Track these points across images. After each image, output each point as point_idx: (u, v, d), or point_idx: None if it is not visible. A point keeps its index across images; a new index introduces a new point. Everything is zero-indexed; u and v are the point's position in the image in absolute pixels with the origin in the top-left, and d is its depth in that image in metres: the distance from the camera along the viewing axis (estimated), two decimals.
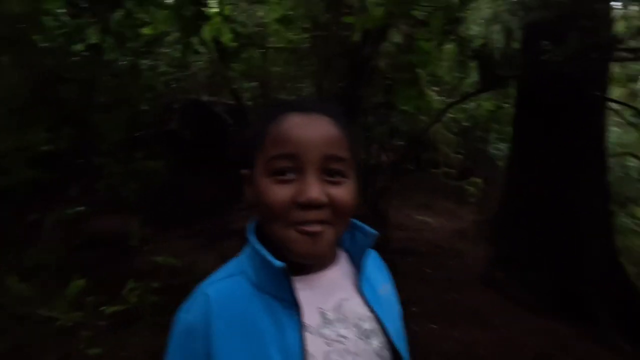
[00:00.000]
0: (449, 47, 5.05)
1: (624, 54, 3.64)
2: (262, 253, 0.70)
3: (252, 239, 0.74)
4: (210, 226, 2.91)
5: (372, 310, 0.77)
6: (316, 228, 0.70)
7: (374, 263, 0.88)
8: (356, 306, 0.76)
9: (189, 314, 0.71)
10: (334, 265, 0.79)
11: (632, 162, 6.89)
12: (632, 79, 9.02)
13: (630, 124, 5.34)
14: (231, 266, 0.76)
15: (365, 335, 0.74)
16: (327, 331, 0.71)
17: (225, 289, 0.72)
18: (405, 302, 3.70)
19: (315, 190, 0.69)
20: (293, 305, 0.69)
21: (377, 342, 0.75)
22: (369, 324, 0.76)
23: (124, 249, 2.64)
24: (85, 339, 2.08)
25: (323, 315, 0.72)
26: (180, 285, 0.75)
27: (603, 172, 4.47)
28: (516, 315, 3.90)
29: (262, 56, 3.52)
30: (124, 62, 2.82)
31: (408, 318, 3.04)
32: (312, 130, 0.71)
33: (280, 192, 0.70)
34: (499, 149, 6.74)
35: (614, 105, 5.22)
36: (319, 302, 0.73)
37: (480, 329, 3.69)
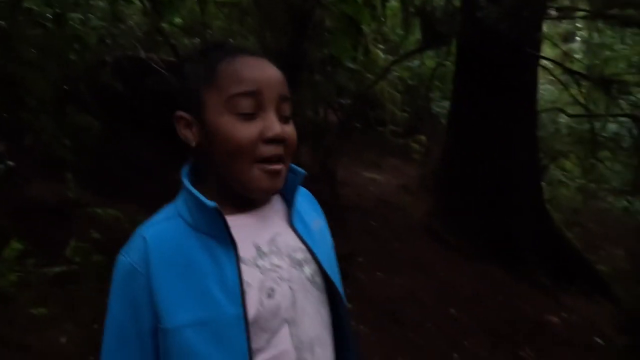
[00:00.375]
0: (394, 4, 5.07)
1: (555, 13, 3.81)
2: (196, 195, 0.73)
3: (186, 182, 0.76)
4: (152, 188, 2.86)
5: (304, 242, 0.82)
6: (278, 167, 0.74)
7: (306, 200, 0.92)
8: (289, 239, 0.81)
9: (128, 256, 0.73)
10: (268, 203, 0.83)
11: (563, 118, 7.33)
12: (566, 38, 9.45)
13: (561, 82, 5.66)
14: (167, 210, 0.79)
15: (297, 264, 0.80)
16: (262, 262, 0.75)
17: (162, 230, 0.74)
18: (353, 253, 3.85)
19: (278, 126, 0.73)
20: (228, 241, 0.72)
21: (309, 270, 0.81)
22: (301, 254, 0.81)
23: (62, 213, 2.56)
24: (29, 300, 2.04)
25: (258, 248, 0.76)
26: (124, 243, 0.76)
27: (534, 127, 4.77)
28: (454, 261, 4.19)
29: (202, 11, 3.38)
30: (49, 15, 2.62)
31: (356, 268, 3.18)
32: (267, 70, 0.75)
33: (247, 129, 0.71)
34: (442, 106, 6.95)
35: (547, 64, 5.50)
36: (254, 237, 0.77)
37: (422, 275, 3.95)
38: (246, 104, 0.72)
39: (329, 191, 4.73)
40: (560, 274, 4.36)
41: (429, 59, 6.61)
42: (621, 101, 4.71)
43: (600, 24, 5.38)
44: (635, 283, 3.48)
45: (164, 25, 3.43)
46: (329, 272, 0.85)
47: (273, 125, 0.72)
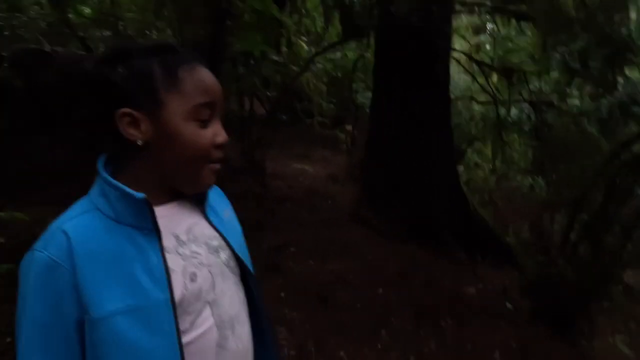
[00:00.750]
0: None
1: (462, 8, 4.09)
2: (121, 187, 0.76)
3: (106, 175, 0.78)
4: (65, 190, 2.70)
5: (217, 231, 0.90)
6: (219, 166, 0.85)
7: (214, 192, 0.98)
8: (204, 228, 0.88)
9: (46, 251, 0.72)
10: (183, 198, 0.87)
11: (477, 105, 7.89)
12: (478, 31, 10.13)
13: (470, 73, 6.10)
14: (81, 204, 0.79)
15: (214, 250, 0.87)
16: (182, 250, 0.81)
17: (82, 224, 0.75)
18: (284, 244, 3.90)
19: (225, 133, 0.83)
20: (153, 231, 0.77)
21: (224, 255, 0.89)
22: (217, 242, 0.88)
23: None
24: None
25: (177, 238, 0.82)
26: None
27: (448, 114, 5.12)
28: (381, 244, 4.41)
29: (113, 1, 3.21)
30: None
31: (287, 258, 3.24)
32: (217, 81, 0.84)
33: (205, 136, 0.79)
34: (367, 97, 7.21)
35: (459, 55, 5.91)
36: (172, 228, 0.82)
37: (350, 259, 4.11)
38: (206, 113, 0.80)
39: (259, 183, 4.76)
40: (475, 248, 4.74)
41: (351, 51, 6.81)
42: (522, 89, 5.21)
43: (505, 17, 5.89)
44: (536, 252, 3.89)
45: (71, 16, 3.22)
46: (241, 256, 0.92)
47: (222, 132, 0.83)
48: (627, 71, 3.19)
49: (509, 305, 3.87)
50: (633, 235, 3.64)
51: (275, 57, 4.83)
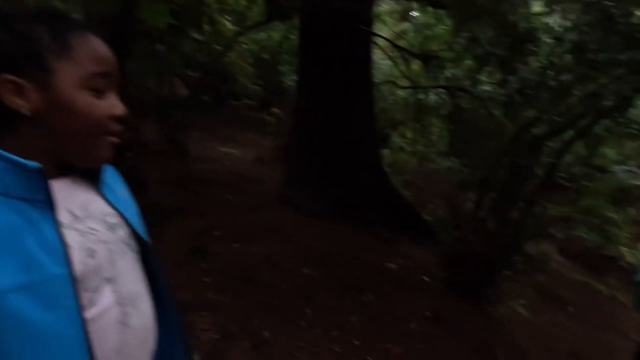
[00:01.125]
0: None
1: None
2: (11, 157, 0.69)
3: None
4: None
5: (114, 208, 0.86)
6: (116, 140, 0.80)
7: (110, 173, 0.94)
8: (100, 205, 0.84)
9: None
10: (75, 173, 0.83)
11: (401, 90, 8.18)
12: (403, 17, 10.44)
13: (391, 58, 6.30)
14: None
15: (111, 227, 0.83)
16: (79, 225, 0.77)
17: None
18: (210, 228, 3.81)
19: (122, 105, 0.79)
20: (47, 204, 0.71)
21: (122, 232, 0.86)
22: (114, 219, 0.85)
23: None
24: None
25: (72, 213, 0.77)
26: None
27: (371, 99, 5.26)
28: (306, 224, 4.48)
29: None
30: None
31: (213, 242, 3.17)
32: (110, 51, 0.79)
33: (100, 107, 0.76)
34: (294, 79, 7.19)
35: (382, 41, 6.07)
36: (66, 204, 0.77)
37: (277, 241, 4.14)
38: (101, 83, 0.76)
39: (181, 167, 4.60)
40: (397, 226, 4.99)
41: (276, 32, 6.73)
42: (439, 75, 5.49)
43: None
44: (451, 229, 4.17)
45: None
46: (139, 233, 0.90)
47: (119, 104, 0.79)
48: (528, 59, 3.48)
49: (426, 278, 4.13)
50: (534, 210, 4.02)
51: (196, 35, 4.64)
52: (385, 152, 7.73)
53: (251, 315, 2.98)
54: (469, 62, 4.84)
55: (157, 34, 3.83)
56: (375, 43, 5.54)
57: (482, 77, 4.31)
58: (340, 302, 3.40)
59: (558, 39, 2.95)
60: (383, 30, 7.29)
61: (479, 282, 3.82)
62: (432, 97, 6.08)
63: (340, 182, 4.78)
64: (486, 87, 4.16)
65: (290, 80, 7.41)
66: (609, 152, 5.46)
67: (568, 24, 2.94)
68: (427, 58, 5.11)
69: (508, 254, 3.93)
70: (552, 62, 2.96)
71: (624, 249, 6.34)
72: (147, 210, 1.11)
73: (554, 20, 3.06)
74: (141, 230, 0.92)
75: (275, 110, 7.42)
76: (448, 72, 5.45)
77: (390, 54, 6.53)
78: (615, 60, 2.45)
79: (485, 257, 3.78)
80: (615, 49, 2.44)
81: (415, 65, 6.76)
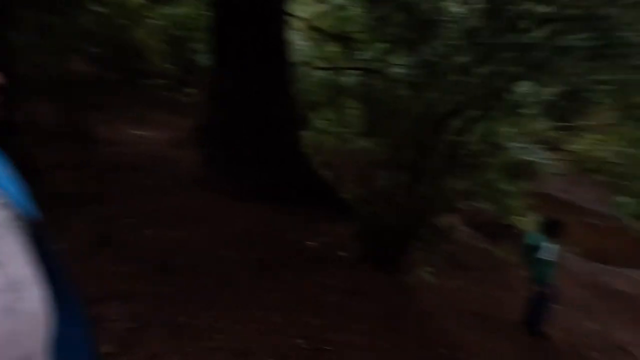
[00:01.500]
0: None
1: None
2: None
3: None
4: None
5: None
6: None
7: None
8: None
9: None
10: None
11: (321, 72, 8.20)
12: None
13: (310, 39, 6.31)
14: None
15: None
16: None
17: None
18: (117, 215, 3.61)
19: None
20: None
21: (7, 213, 0.79)
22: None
23: None
24: None
25: None
26: None
27: (288, 80, 5.25)
28: (226, 206, 4.42)
29: None
30: None
31: (124, 230, 3.00)
32: None
33: None
34: (208, 57, 6.93)
35: (302, 24, 6.04)
36: None
37: (194, 225, 4.04)
38: None
39: (85, 151, 4.28)
40: (316, 205, 5.08)
41: (188, 7, 6.42)
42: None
43: None
44: (365, 204, 4.36)
45: None
46: (29, 215, 0.84)
47: None
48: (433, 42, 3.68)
49: (344, 253, 4.29)
50: (440, 185, 4.32)
51: (96, 8, 4.28)
52: (306, 133, 7.80)
53: (166, 302, 2.91)
54: (381, 45, 5.00)
55: (48, 4, 3.47)
56: (292, 24, 5.51)
57: (393, 59, 4.49)
58: (260, 281, 3.43)
59: (455, 22, 3.17)
60: (299, 10, 7.25)
61: (391, 254, 4.05)
62: (348, 79, 6.22)
63: (259, 163, 4.76)
64: (397, 69, 4.34)
65: (205, 58, 7.13)
66: (505, 130, 6.00)
67: (464, 10, 3.16)
68: (342, 39, 5.19)
69: (418, 227, 4.20)
70: (453, 46, 3.18)
71: (518, 218, 7.07)
72: (44, 198, 1.04)
73: (454, 6, 3.28)
74: (31, 211, 0.86)
75: (190, 90, 7.12)
76: (362, 54, 5.59)
77: (308, 35, 6.54)
78: (501, 44, 2.69)
79: (396, 230, 4.01)
80: (501, 33, 2.69)
81: (332, 47, 6.83)
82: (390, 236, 4.03)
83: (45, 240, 0.88)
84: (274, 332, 2.84)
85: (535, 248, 4.28)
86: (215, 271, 3.37)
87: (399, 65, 4.21)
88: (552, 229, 4.38)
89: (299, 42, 7.76)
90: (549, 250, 4.24)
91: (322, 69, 6.53)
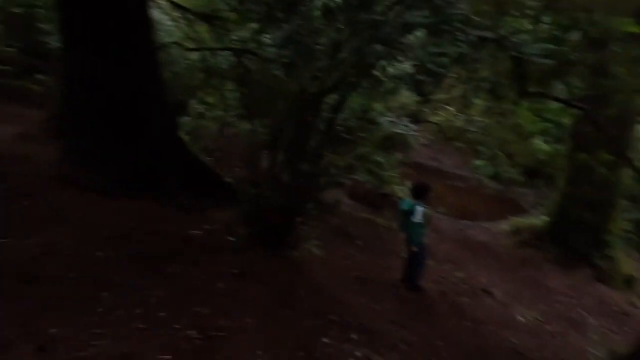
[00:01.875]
0: None
1: None
2: None
3: None
4: None
5: None
6: None
7: None
8: None
9: None
10: None
11: (196, 54, 7.76)
12: None
13: (173, 18, 5.95)
14: None
15: None
16: None
17: None
18: None
19: None
20: None
21: None
22: None
23: None
24: None
25: None
26: None
27: (156, 63, 4.90)
28: (95, 204, 4.05)
29: None
30: None
31: None
32: None
33: None
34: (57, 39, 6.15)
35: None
36: None
37: (60, 227, 3.63)
38: None
39: None
40: (199, 193, 4.91)
41: None
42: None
43: None
44: (250, 187, 4.33)
45: None
46: None
47: None
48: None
49: (231, 238, 4.24)
50: (321, 162, 4.46)
51: None
52: (185, 119, 7.44)
53: (33, 316, 2.60)
54: (253, 25, 4.92)
55: None
56: (155, 2, 5.13)
57: (265, 39, 4.47)
58: (142, 278, 3.23)
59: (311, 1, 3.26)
60: None
61: (278, 233, 4.11)
62: (221, 60, 6.02)
63: (128, 154, 4.40)
64: (269, 50, 4.33)
65: (56, 41, 6.32)
66: (377, 106, 6.40)
67: None
68: (210, 19, 4.99)
69: (303, 204, 4.31)
70: (315, 25, 3.27)
71: (394, 187, 7.66)
72: None
73: None
74: None
75: (40, 76, 6.28)
76: (234, 35, 5.44)
77: (172, 14, 6.16)
78: (358, 22, 2.85)
79: (282, 209, 4.07)
80: (354, 11, 2.85)
81: (202, 27, 6.52)
82: (277, 216, 4.08)
83: None
84: (161, 329, 2.72)
85: (409, 212, 4.70)
86: (90, 275, 3.09)
87: (271, 46, 4.20)
88: (421, 193, 4.84)
89: (167, 22, 7.28)
90: (420, 213, 4.69)
91: (194, 50, 6.23)
